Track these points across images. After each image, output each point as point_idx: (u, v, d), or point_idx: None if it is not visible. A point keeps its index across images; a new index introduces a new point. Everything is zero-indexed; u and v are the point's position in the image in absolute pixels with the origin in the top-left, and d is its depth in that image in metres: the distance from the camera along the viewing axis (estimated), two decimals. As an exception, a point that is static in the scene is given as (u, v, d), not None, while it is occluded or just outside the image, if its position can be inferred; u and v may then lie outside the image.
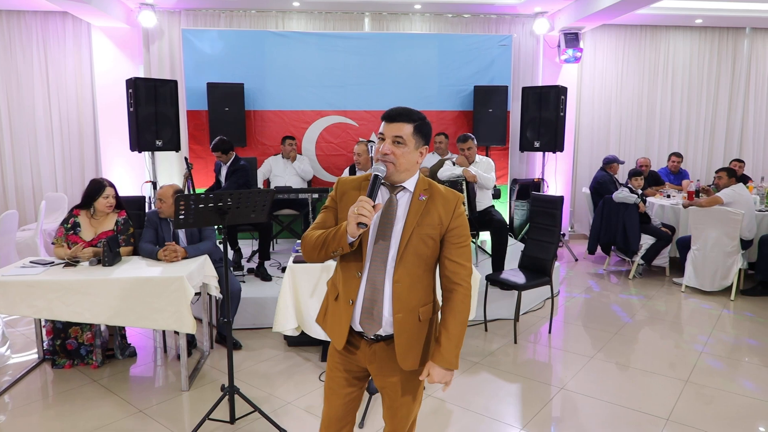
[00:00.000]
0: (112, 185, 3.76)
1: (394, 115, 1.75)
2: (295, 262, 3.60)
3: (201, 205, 2.80)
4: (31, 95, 6.82)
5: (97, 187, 3.70)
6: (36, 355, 3.84)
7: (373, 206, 1.62)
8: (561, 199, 4.50)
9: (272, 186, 6.00)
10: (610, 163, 6.62)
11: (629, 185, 5.99)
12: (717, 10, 7.28)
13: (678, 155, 7.39)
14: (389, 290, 1.75)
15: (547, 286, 4.39)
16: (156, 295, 3.21)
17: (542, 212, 4.54)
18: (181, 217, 2.80)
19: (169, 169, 6.91)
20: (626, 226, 5.88)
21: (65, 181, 7.04)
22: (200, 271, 3.58)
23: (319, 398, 3.26)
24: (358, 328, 1.80)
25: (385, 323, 1.76)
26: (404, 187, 1.78)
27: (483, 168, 4.92)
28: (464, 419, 3.10)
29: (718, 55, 8.08)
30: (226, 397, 2.95)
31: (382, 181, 1.75)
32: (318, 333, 3.47)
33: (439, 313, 1.85)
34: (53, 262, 3.50)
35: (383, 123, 1.77)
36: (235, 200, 2.85)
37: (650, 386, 3.50)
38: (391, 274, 1.74)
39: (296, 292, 3.55)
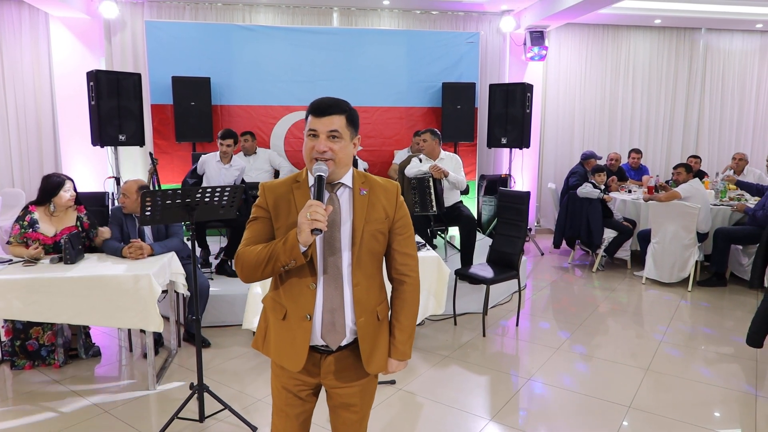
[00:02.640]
0: (69, 178, 3.66)
1: (324, 108, 1.60)
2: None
3: (168, 201, 2.75)
4: (-16, 87, 6.56)
5: (56, 182, 3.59)
6: (-7, 357, 3.71)
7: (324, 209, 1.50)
8: (528, 194, 4.59)
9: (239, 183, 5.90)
10: (588, 158, 6.74)
11: (592, 181, 6.15)
12: (674, 11, 7.55)
13: (637, 151, 7.62)
14: (349, 296, 1.64)
15: (515, 280, 4.48)
16: (121, 293, 3.14)
17: (509, 207, 4.62)
18: (148, 213, 2.75)
19: (133, 164, 6.74)
20: (590, 221, 6.04)
21: (23, 175, 6.79)
22: (167, 268, 3.52)
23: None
24: (319, 342, 1.67)
25: (348, 331, 1.67)
26: (343, 183, 1.65)
27: (450, 166, 4.92)
28: (434, 412, 3.14)
29: (676, 54, 8.37)
30: (195, 395, 2.91)
31: None
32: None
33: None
34: (12, 260, 3.38)
35: (311, 118, 1.60)
36: (204, 196, 2.81)
37: (613, 375, 3.62)
38: (349, 279, 1.64)
39: (266, 289, 3.51)
